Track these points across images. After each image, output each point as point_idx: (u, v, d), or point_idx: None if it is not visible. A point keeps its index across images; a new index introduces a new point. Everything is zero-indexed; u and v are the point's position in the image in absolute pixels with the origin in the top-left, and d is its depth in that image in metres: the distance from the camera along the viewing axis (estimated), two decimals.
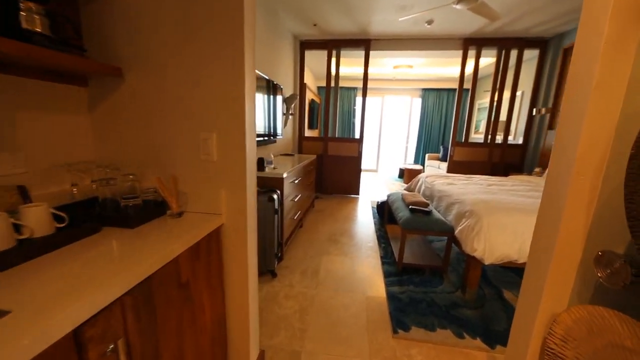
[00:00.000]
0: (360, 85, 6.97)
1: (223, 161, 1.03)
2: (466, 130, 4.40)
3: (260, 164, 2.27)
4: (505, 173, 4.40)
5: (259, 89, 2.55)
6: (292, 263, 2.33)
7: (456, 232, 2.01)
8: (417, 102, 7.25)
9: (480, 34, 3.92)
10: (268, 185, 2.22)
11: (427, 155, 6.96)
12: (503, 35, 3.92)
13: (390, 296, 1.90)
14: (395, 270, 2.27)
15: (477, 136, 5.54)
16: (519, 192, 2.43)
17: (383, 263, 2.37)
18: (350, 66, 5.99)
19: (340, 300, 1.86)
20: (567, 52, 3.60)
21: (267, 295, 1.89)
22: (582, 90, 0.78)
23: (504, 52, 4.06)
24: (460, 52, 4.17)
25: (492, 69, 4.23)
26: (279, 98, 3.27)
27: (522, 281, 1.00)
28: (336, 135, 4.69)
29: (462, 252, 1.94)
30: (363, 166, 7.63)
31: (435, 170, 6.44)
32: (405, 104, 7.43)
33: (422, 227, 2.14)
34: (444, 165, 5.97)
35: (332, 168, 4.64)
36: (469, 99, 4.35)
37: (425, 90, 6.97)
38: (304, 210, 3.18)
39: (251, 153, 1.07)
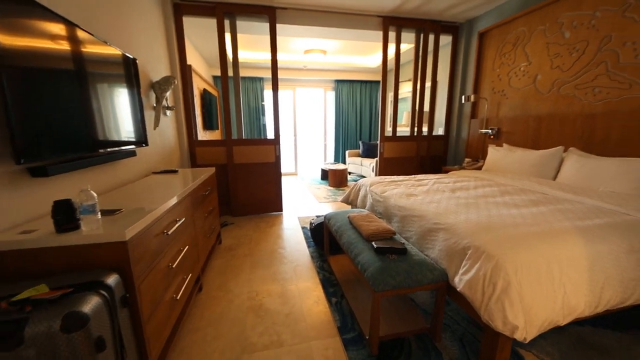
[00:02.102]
0: (267, 75, 5.90)
1: None
2: (393, 124, 3.94)
3: (66, 217, 0.98)
4: (434, 167, 4.16)
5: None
6: None
7: (460, 286, 1.23)
8: (331, 96, 6.68)
9: (400, 13, 3.44)
10: (84, 267, 0.95)
11: (347, 152, 6.49)
12: (421, 16, 3.54)
13: None
14: (368, 355, 1.37)
15: (398, 129, 5.28)
16: (495, 198, 1.89)
17: (346, 346, 1.43)
18: (253, 49, 4.84)
19: None
20: (483, 36, 3.45)
21: None
22: None
23: (422, 36, 3.71)
24: (379, 35, 3.62)
25: (411, 56, 3.86)
26: (143, 85, 1.90)
27: None
28: (243, 137, 3.52)
29: (480, 323, 1.18)
30: (282, 170, 6.64)
31: (358, 167, 6.02)
32: (318, 98, 6.76)
33: (404, 281, 1.30)
34: (367, 161, 5.57)
35: (243, 180, 3.46)
36: (388, 88, 3.89)
37: (338, 82, 6.43)
38: (201, 263, 1.95)
39: None
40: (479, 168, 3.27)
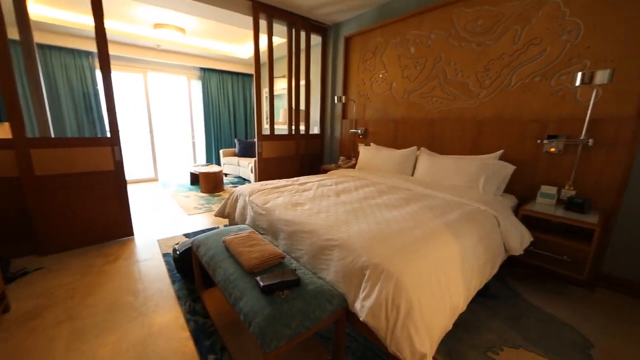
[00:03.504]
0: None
1: None
2: (270, 121, 3.67)
3: None
4: (313, 166, 4.19)
5: None
6: None
7: (362, 315, 1.07)
8: (197, 86, 5.73)
9: (270, 0, 3.15)
10: None
11: (221, 152, 5.77)
12: (292, 9, 3.38)
13: None
14: None
15: (276, 127, 5.06)
16: (375, 199, 1.92)
17: None
18: (74, 10, 3.42)
19: None
20: (349, 41, 3.66)
21: None
22: None
23: (294, 32, 3.58)
24: (249, 22, 3.23)
25: (285, 52, 3.68)
26: None
27: None
28: (52, 134, 2.35)
29: (386, 351, 1.05)
30: (135, 176, 5.17)
31: (235, 168, 5.45)
32: (181, 87, 5.66)
33: (301, 325, 1.03)
34: (244, 161, 5.10)
35: (59, 199, 2.33)
36: (263, 84, 3.60)
37: (205, 70, 5.57)
38: None
39: None
40: (353, 166, 3.48)
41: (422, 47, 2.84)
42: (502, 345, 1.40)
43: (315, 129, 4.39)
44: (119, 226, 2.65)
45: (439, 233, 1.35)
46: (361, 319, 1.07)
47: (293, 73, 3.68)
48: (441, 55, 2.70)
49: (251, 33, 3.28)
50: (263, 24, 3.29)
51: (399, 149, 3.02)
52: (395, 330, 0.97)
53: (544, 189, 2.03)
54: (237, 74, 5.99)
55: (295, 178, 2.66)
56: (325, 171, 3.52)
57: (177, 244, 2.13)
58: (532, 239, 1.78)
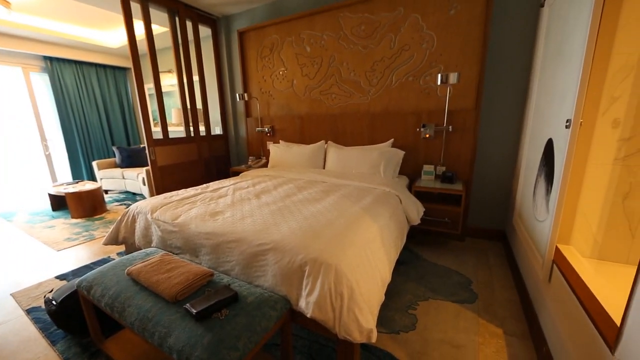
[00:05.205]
0: None
1: None
2: (161, 123, 3.17)
3: None
4: (220, 169, 3.88)
5: None
6: None
7: (309, 311, 1.09)
8: (42, 81, 4.37)
9: None
10: None
11: (95, 164, 4.63)
12: None
13: None
14: None
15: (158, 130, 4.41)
16: (297, 195, 1.94)
17: None
18: None
19: None
20: (243, 36, 3.50)
21: None
22: None
23: (178, 21, 3.16)
24: (116, 2, 2.66)
25: (170, 43, 3.21)
26: None
27: None
28: None
29: (335, 338, 1.10)
30: None
31: (118, 182, 4.50)
32: (16, 82, 4.19)
33: (249, 341, 0.96)
34: (131, 172, 4.28)
35: None
36: (146, 79, 3.08)
37: (52, 60, 4.28)
38: None
39: None
40: (265, 165, 3.42)
41: (317, 47, 3.01)
42: (417, 301, 1.69)
43: (217, 130, 4.07)
44: None
45: (360, 218, 1.49)
46: (308, 315, 1.08)
47: (183, 67, 3.28)
48: (334, 55, 2.93)
49: (120, 17, 2.72)
50: (137, 7, 2.77)
51: (307, 144, 3.14)
52: (342, 317, 1.03)
53: (426, 167, 2.51)
54: (105, 66, 4.89)
55: (204, 185, 2.41)
56: (235, 173, 3.32)
57: (50, 291, 1.61)
58: (424, 209, 2.19)
